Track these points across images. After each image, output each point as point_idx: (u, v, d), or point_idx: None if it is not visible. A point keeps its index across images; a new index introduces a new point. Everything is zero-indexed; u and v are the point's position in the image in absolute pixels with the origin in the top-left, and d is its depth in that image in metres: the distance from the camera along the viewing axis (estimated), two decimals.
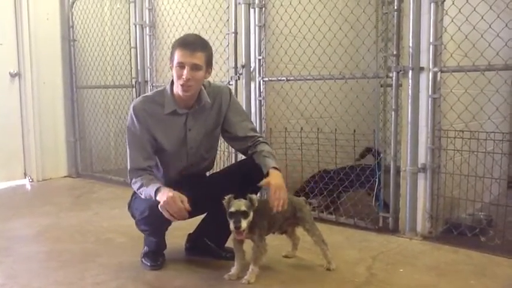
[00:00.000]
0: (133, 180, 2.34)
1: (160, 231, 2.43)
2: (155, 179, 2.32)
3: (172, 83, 2.38)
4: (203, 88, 2.41)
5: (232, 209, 2.11)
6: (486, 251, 2.64)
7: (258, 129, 3.56)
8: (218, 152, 3.66)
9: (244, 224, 2.09)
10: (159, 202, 2.14)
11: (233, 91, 3.64)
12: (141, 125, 2.35)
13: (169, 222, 2.36)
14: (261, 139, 2.47)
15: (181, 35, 4.05)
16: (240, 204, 2.12)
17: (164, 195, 2.13)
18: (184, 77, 2.23)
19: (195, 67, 2.24)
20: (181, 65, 2.24)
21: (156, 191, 2.18)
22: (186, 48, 2.24)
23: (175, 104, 2.37)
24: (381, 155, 3.25)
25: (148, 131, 2.36)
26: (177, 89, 2.32)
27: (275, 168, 2.28)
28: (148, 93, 2.47)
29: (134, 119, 2.36)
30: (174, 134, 2.41)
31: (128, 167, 2.39)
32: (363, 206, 3.26)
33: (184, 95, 2.32)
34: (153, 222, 2.33)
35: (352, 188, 3.32)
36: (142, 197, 2.28)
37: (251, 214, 2.13)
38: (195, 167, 2.52)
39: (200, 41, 2.32)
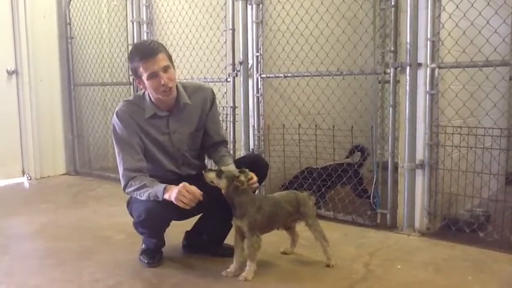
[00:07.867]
0: (130, 182, 2.29)
1: (158, 232, 2.42)
2: (156, 180, 2.28)
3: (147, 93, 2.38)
4: (180, 89, 2.39)
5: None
6: (484, 247, 2.64)
7: (256, 126, 3.60)
8: None
9: (210, 174, 2.20)
10: (163, 200, 2.15)
11: (230, 88, 3.67)
12: (127, 129, 2.34)
13: (167, 223, 2.36)
14: (224, 146, 2.56)
15: (179, 31, 4.11)
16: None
17: (173, 190, 2.13)
18: (163, 82, 2.23)
19: (166, 68, 2.24)
20: (154, 75, 2.22)
21: (164, 190, 2.17)
22: (149, 58, 2.20)
23: (155, 108, 2.36)
24: (366, 152, 3.32)
25: (136, 133, 2.35)
26: (158, 96, 2.31)
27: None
28: (129, 97, 2.46)
29: (120, 123, 2.35)
30: (158, 137, 2.40)
31: (121, 171, 2.34)
32: (361, 203, 3.27)
33: (168, 98, 2.32)
34: (150, 225, 2.33)
35: (339, 183, 3.37)
36: (144, 198, 2.24)
37: (224, 180, 2.18)
38: (187, 166, 2.50)
39: (154, 43, 2.29)
